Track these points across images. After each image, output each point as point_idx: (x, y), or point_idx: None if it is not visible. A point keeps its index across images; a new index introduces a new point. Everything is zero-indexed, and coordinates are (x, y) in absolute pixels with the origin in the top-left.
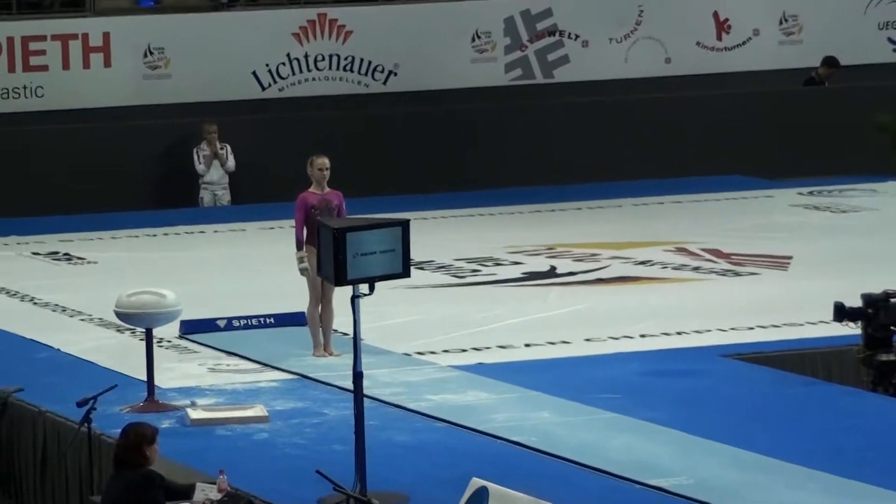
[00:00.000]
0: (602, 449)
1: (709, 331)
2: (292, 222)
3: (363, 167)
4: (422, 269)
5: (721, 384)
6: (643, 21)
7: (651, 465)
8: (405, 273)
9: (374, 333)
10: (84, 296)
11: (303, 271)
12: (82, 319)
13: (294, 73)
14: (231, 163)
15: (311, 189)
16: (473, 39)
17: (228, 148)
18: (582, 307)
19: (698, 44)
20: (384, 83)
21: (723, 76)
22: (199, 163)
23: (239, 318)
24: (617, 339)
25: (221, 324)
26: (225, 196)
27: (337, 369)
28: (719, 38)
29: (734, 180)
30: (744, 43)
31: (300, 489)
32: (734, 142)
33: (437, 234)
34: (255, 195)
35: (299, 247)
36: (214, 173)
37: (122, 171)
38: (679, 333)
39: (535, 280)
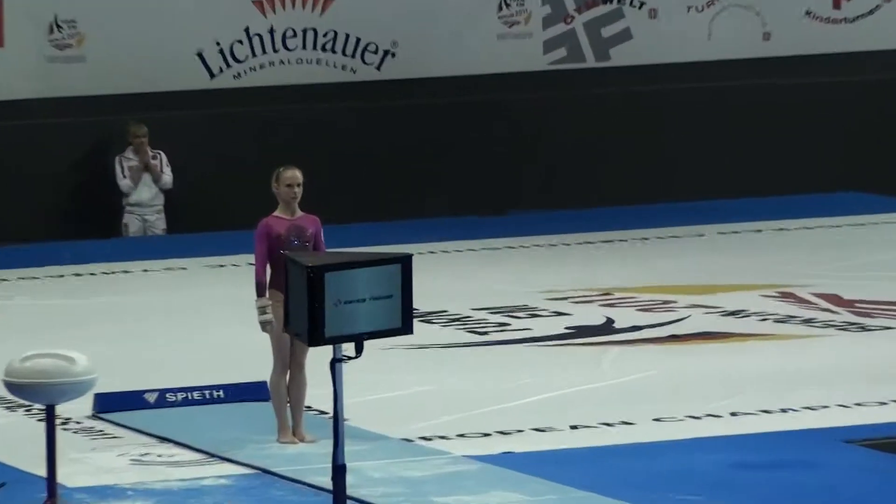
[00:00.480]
0: None
1: (826, 407)
2: (250, 258)
3: (349, 183)
4: (429, 322)
5: (842, 480)
6: None
7: None
8: (406, 328)
9: (362, 411)
10: None
11: (265, 325)
12: None
13: (255, 55)
14: (167, 177)
15: (276, 213)
16: (500, 9)
17: (163, 157)
18: (649, 375)
19: (808, 14)
20: (377, 68)
21: (840, 57)
22: (123, 177)
23: (175, 391)
24: (698, 418)
25: (151, 398)
26: (158, 222)
27: (310, 460)
28: (836, 5)
29: (857, 199)
30: (870, 12)
31: None
32: (856, 147)
33: (450, 275)
34: (199, 221)
35: (261, 291)
36: (144, 192)
37: (16, 189)
38: (784, 411)
39: (584, 337)
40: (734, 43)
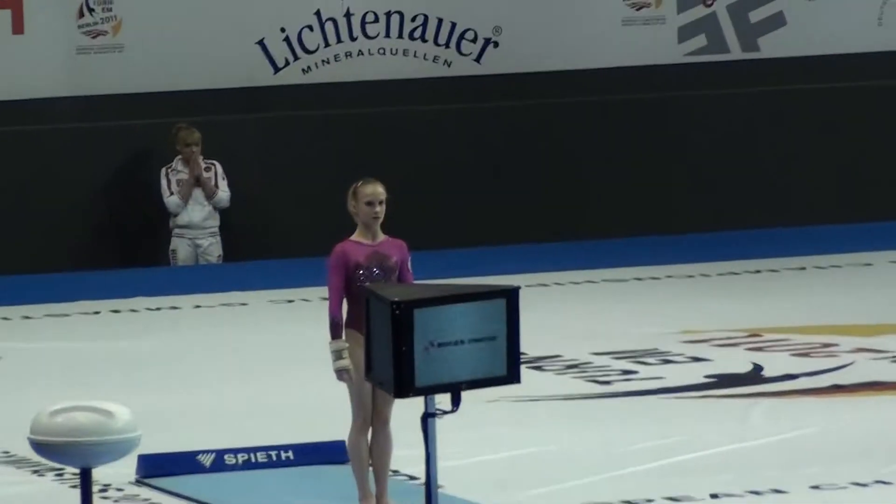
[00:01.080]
0: None
1: None
2: (323, 291)
3: (441, 200)
4: (540, 369)
5: None
6: None
7: None
8: (512, 376)
9: (460, 476)
10: None
11: (341, 373)
12: None
13: (328, 44)
14: (224, 194)
15: (354, 237)
16: None
17: (218, 168)
18: (806, 432)
19: None
20: (477, 60)
21: None
22: (171, 194)
23: (236, 452)
24: (865, 485)
25: (206, 461)
26: (212, 248)
27: None
28: None
29: None
30: None
31: None
32: None
33: (564, 312)
34: (261, 247)
35: (336, 332)
36: (196, 211)
37: (41, 206)
38: None
39: (728, 387)
40: None
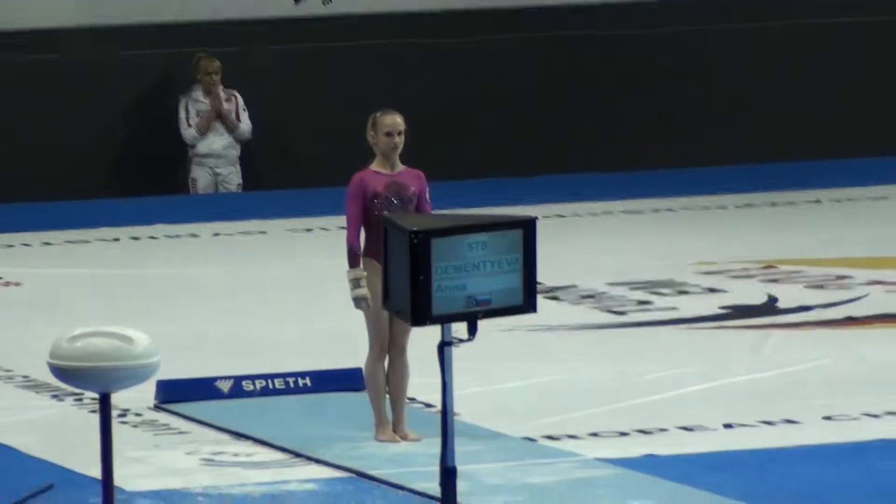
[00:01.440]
0: None
1: None
2: (342, 220)
3: (461, 131)
4: (556, 299)
5: None
6: None
7: None
8: (528, 306)
9: (475, 405)
10: (0, 339)
11: (359, 301)
12: None
13: None
14: (245, 126)
15: (373, 167)
16: None
17: (239, 99)
18: (819, 364)
19: None
20: None
21: None
22: (189, 125)
23: (254, 378)
24: (876, 416)
25: (225, 387)
26: (232, 177)
27: (414, 462)
28: None
29: None
30: None
31: None
32: None
33: (581, 242)
34: (281, 176)
35: (354, 261)
36: (216, 141)
37: (60, 135)
38: None
39: (742, 318)
40: None
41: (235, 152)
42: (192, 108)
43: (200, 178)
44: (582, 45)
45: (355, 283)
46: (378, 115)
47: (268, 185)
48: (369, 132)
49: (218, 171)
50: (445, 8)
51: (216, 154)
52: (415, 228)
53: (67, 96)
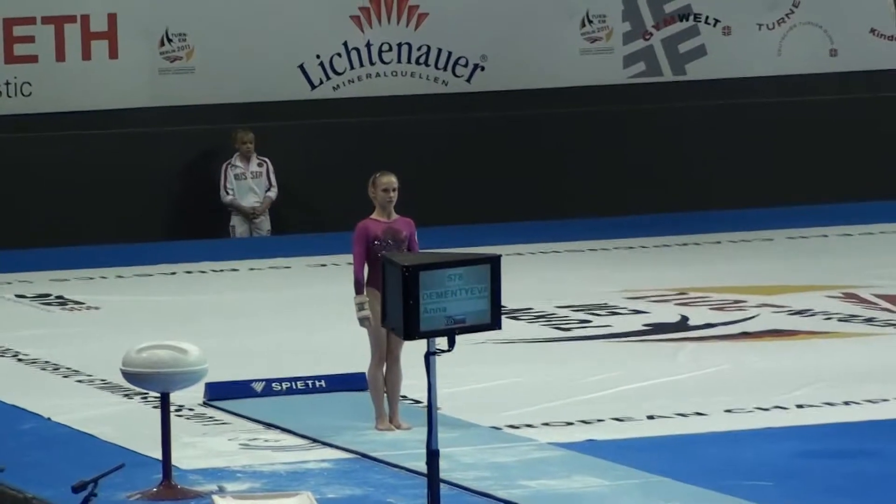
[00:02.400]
0: None
1: (885, 400)
2: (349, 258)
3: (441, 188)
4: (516, 318)
5: None
6: (802, 2)
7: None
8: (495, 324)
9: (454, 401)
10: (82, 350)
11: (363, 321)
12: (79, 380)
13: (353, 68)
14: (272, 193)
15: (373, 216)
16: (583, 25)
17: (269, 165)
18: (721, 369)
19: (872, 31)
20: (468, 80)
21: None
22: (227, 193)
23: (281, 381)
24: (766, 409)
25: (258, 387)
26: (263, 224)
27: (406, 446)
28: None
29: None
30: None
31: None
32: None
33: (535, 275)
34: (302, 223)
35: (359, 289)
36: (250, 198)
37: (130, 192)
38: (847, 403)
39: (661, 334)
40: (803, 59)
41: (265, 206)
42: (231, 173)
43: (238, 225)
44: (526, 122)
45: (360, 306)
46: (377, 175)
47: (292, 231)
48: (370, 189)
49: (252, 220)
50: (423, 93)
51: (250, 208)
52: (406, 264)
53: (138, 162)
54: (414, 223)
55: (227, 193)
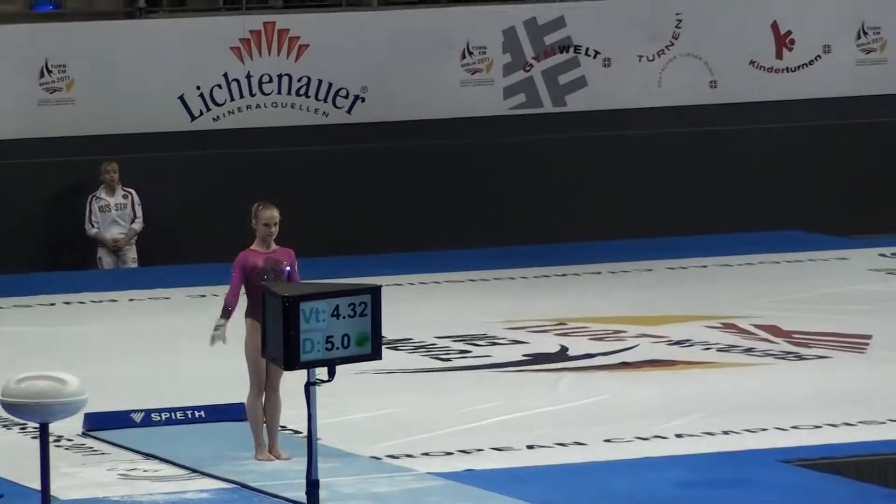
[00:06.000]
0: None
1: (764, 430)
2: (223, 288)
3: (321, 219)
4: (395, 349)
5: (780, 498)
6: (682, 34)
7: None
8: (375, 354)
9: (334, 431)
10: None
11: (213, 339)
12: None
13: (233, 99)
14: (137, 225)
15: (253, 246)
16: (463, 56)
17: (134, 196)
18: (601, 399)
19: (752, 63)
20: (348, 111)
21: (784, 104)
22: (92, 226)
23: (160, 411)
24: (646, 439)
25: (137, 418)
26: (129, 254)
27: (286, 476)
28: (779, 55)
29: (796, 237)
30: (811, 62)
31: None
32: (798, 188)
33: (415, 305)
34: (172, 254)
35: (225, 313)
36: (114, 230)
37: (8, 222)
38: (726, 433)
39: (540, 364)
40: (683, 91)
41: (129, 238)
42: (95, 205)
43: (104, 256)
44: (405, 153)
45: (216, 327)
46: (259, 208)
47: (160, 261)
48: (252, 219)
49: (118, 252)
50: (303, 124)
51: (112, 241)
52: (286, 294)
53: (10, 193)
54: (294, 254)
55: (92, 226)
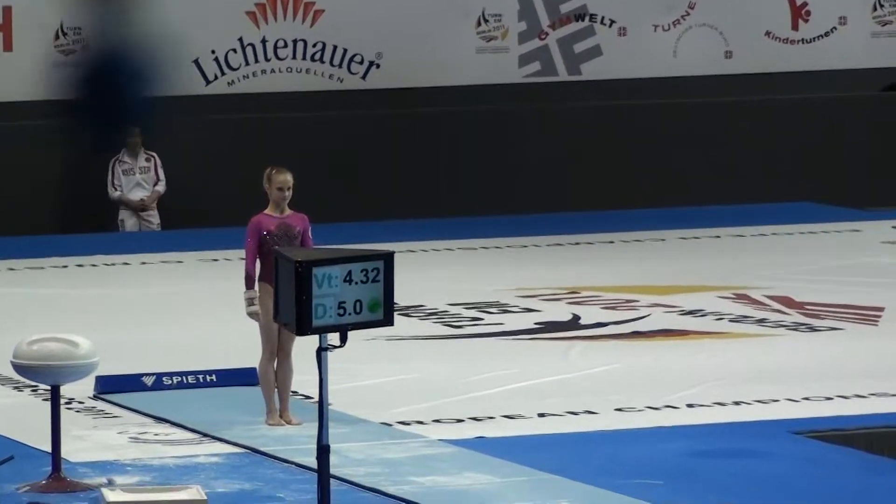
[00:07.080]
0: None
1: (776, 401)
2: (241, 253)
3: (335, 185)
4: (408, 315)
5: (791, 469)
6: (698, 4)
7: None
8: (387, 320)
9: (345, 397)
10: None
11: (252, 315)
12: None
13: (248, 63)
14: (160, 187)
15: (266, 211)
16: (479, 24)
17: (157, 160)
18: (612, 368)
19: (768, 34)
20: (363, 77)
21: (798, 76)
22: (115, 189)
23: (171, 375)
24: (657, 409)
25: (148, 381)
26: (153, 218)
27: (296, 442)
28: (795, 27)
29: (810, 209)
30: (826, 34)
31: None
32: (812, 159)
33: (428, 272)
34: (194, 218)
35: (250, 284)
36: (138, 193)
37: (22, 185)
38: (737, 404)
39: (552, 332)
40: (698, 60)
41: (153, 200)
42: (119, 169)
43: (127, 219)
44: (421, 120)
45: (249, 301)
46: (273, 172)
47: (181, 224)
48: (265, 184)
49: (141, 214)
50: (318, 89)
51: (138, 202)
52: (299, 259)
53: (31, 153)
54: (308, 219)
55: (115, 189)
